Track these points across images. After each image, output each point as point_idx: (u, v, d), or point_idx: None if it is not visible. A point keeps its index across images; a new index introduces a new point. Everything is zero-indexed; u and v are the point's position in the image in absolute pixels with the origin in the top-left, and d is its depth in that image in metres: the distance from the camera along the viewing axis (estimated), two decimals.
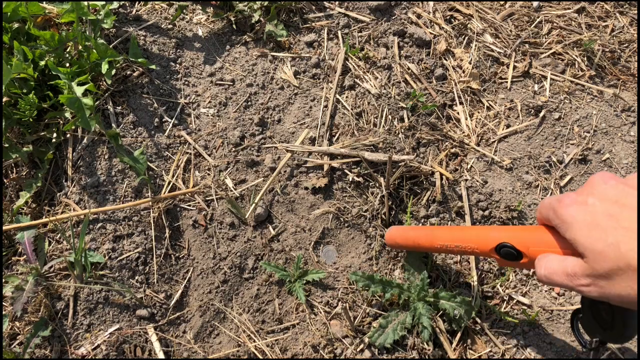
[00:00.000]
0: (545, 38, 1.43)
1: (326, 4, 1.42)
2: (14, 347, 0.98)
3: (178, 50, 1.30)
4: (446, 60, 1.38)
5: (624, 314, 0.57)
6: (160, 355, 1.01)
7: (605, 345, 0.63)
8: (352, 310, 1.07)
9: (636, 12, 1.49)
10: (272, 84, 1.28)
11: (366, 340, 1.01)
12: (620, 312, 0.57)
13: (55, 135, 1.14)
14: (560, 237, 0.59)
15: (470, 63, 1.36)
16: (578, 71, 1.39)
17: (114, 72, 1.17)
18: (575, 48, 1.41)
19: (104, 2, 1.21)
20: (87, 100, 1.04)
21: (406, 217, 1.14)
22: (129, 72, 1.24)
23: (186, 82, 1.26)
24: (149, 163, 1.14)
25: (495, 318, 1.07)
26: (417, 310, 0.99)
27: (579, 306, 0.66)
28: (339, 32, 1.37)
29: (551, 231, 0.62)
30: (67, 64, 1.16)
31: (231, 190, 1.15)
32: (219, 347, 1.04)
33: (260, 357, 1.01)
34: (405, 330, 1.01)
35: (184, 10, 1.37)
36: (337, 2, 1.42)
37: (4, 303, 1.00)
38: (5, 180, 1.12)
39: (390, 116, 1.25)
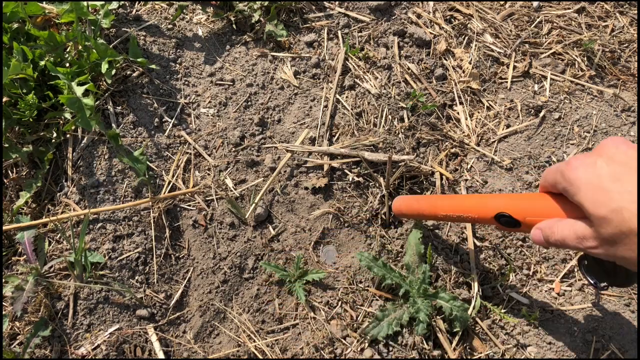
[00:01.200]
0: (545, 38, 1.43)
1: (326, 4, 1.42)
2: (14, 347, 0.98)
3: (178, 50, 1.30)
4: (446, 60, 1.37)
5: (626, 267, 0.59)
6: (160, 355, 1.01)
7: (612, 286, 0.69)
8: (353, 310, 1.07)
9: (636, 12, 1.49)
10: (272, 84, 1.28)
11: (365, 336, 1.01)
12: (622, 266, 0.60)
13: (55, 135, 1.14)
14: (563, 202, 0.60)
15: (470, 63, 1.36)
16: (578, 71, 1.39)
17: (113, 72, 1.17)
18: (575, 48, 1.41)
19: (103, 2, 1.21)
20: (88, 100, 1.04)
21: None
22: (128, 72, 1.23)
23: (186, 82, 1.26)
24: (148, 163, 1.14)
25: (495, 318, 1.07)
26: (417, 305, 0.99)
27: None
28: (339, 32, 1.37)
29: (552, 197, 0.63)
30: (67, 64, 1.16)
31: (231, 190, 1.15)
32: (219, 347, 1.04)
33: (260, 357, 1.01)
34: (400, 326, 1.00)
35: (184, 10, 1.37)
36: (337, 2, 1.42)
37: (4, 303, 1.00)
38: (5, 180, 1.12)
39: (390, 116, 1.25)
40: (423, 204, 0.96)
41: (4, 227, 1.05)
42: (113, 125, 1.16)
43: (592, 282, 0.69)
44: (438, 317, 1.03)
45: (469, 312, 1.03)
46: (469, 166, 1.25)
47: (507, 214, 0.70)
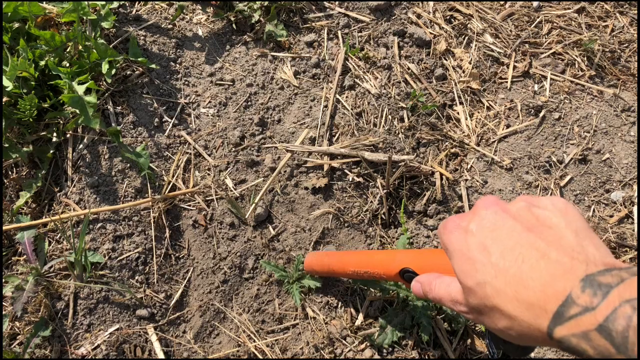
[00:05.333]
0: (545, 38, 1.43)
1: (326, 4, 1.42)
2: (14, 347, 0.98)
3: (178, 50, 1.30)
4: (446, 60, 1.38)
5: None
6: (160, 355, 1.01)
7: (509, 357, 0.65)
8: (353, 310, 1.07)
9: (636, 12, 1.49)
10: (272, 84, 1.28)
11: (366, 341, 1.01)
12: None
13: (55, 135, 1.14)
14: None
15: (470, 63, 1.36)
16: (578, 71, 1.39)
17: (114, 72, 1.17)
18: (575, 48, 1.41)
19: (104, 2, 1.21)
20: (90, 98, 1.04)
21: (400, 215, 1.14)
22: (129, 72, 1.24)
23: (186, 82, 1.26)
24: (149, 163, 1.14)
25: None
26: (417, 309, 0.99)
27: None
28: (339, 32, 1.37)
29: (443, 253, 0.61)
30: (67, 64, 1.16)
31: (231, 190, 1.15)
32: (219, 347, 1.04)
33: (260, 357, 1.01)
34: (405, 331, 1.01)
35: (184, 10, 1.37)
36: (337, 2, 1.42)
37: (4, 303, 1.00)
38: (5, 180, 1.12)
39: (390, 116, 1.25)
40: (332, 260, 0.95)
41: (4, 227, 1.05)
42: (113, 124, 1.16)
43: (490, 352, 0.67)
44: (438, 317, 1.03)
45: None
46: (469, 166, 1.25)
47: (410, 270, 0.69)
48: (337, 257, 0.94)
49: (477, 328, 1.06)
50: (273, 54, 1.32)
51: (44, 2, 1.24)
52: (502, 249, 0.45)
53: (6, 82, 1.04)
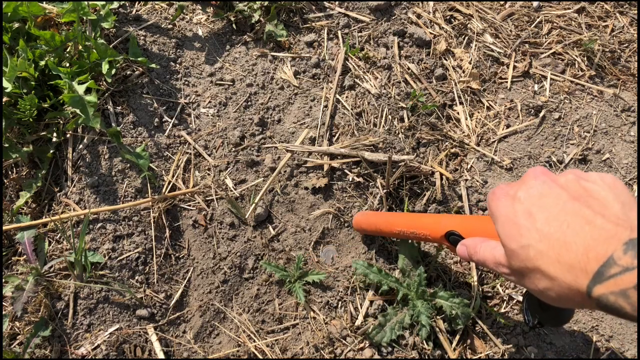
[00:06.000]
0: (545, 38, 1.43)
1: (326, 4, 1.42)
2: (14, 347, 0.98)
3: (178, 50, 1.30)
4: (446, 60, 1.38)
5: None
6: (160, 355, 1.01)
7: (543, 326, 0.69)
8: (353, 310, 1.07)
9: (636, 12, 1.49)
10: (272, 84, 1.28)
11: (365, 340, 1.01)
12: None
13: (55, 135, 1.14)
14: None
15: (470, 63, 1.36)
16: (578, 71, 1.39)
17: (114, 71, 1.17)
18: (575, 48, 1.41)
19: (104, 2, 1.21)
20: (91, 98, 1.04)
21: None
22: (129, 72, 1.24)
23: (186, 82, 1.26)
24: (149, 163, 1.14)
25: (495, 318, 1.07)
26: (417, 308, 0.99)
27: None
28: (339, 32, 1.37)
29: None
30: (67, 64, 1.16)
31: (231, 190, 1.15)
32: (219, 347, 1.04)
33: (260, 357, 1.01)
34: (403, 330, 1.01)
35: (184, 10, 1.37)
36: (337, 2, 1.42)
37: (4, 303, 1.00)
38: (5, 180, 1.12)
39: (390, 116, 1.25)
40: (380, 219, 1.01)
41: (4, 227, 1.05)
42: (113, 124, 1.16)
43: (526, 319, 0.70)
44: (438, 317, 1.03)
45: (468, 313, 1.02)
46: (469, 166, 1.25)
47: (456, 233, 0.73)
48: (385, 217, 1.00)
49: (477, 328, 1.06)
50: (273, 54, 1.32)
51: (44, 2, 1.24)
52: (547, 215, 0.47)
53: (5, 84, 1.04)
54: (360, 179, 1.17)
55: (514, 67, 1.38)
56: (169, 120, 1.21)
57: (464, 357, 1.02)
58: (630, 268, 0.38)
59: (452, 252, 0.78)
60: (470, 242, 0.64)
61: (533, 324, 0.68)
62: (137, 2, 1.36)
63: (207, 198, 1.14)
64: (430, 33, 1.39)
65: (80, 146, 1.13)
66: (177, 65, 1.28)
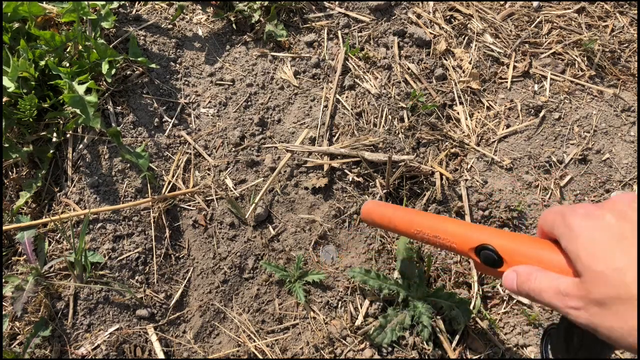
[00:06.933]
0: (545, 38, 1.43)
1: (326, 4, 1.42)
2: (14, 347, 0.98)
3: (178, 50, 1.30)
4: (446, 60, 1.38)
5: (593, 347, 0.52)
6: (160, 355, 1.01)
7: None
8: (353, 310, 1.07)
9: (636, 12, 1.49)
10: (272, 84, 1.28)
11: (366, 340, 1.01)
12: (590, 345, 0.52)
13: (55, 135, 1.14)
14: (559, 252, 0.53)
15: (470, 63, 1.36)
16: (578, 71, 1.39)
17: (114, 71, 1.17)
18: (575, 48, 1.41)
19: (104, 2, 1.21)
20: (91, 98, 1.04)
21: None
22: (129, 72, 1.24)
23: (186, 82, 1.26)
24: (149, 163, 1.14)
25: (495, 318, 1.07)
26: (417, 309, 0.99)
27: (556, 322, 0.60)
28: (339, 32, 1.37)
29: (548, 245, 0.55)
30: (67, 64, 1.16)
31: (231, 190, 1.15)
32: (219, 347, 1.04)
33: (260, 357, 1.01)
34: (404, 331, 1.01)
35: (184, 10, 1.37)
36: (337, 2, 1.42)
37: (4, 303, 1.00)
38: (5, 180, 1.12)
39: (390, 116, 1.25)
40: (398, 214, 0.86)
41: (4, 227, 1.05)
42: (113, 124, 1.16)
43: (544, 356, 0.60)
44: (438, 317, 1.03)
45: (468, 312, 1.02)
46: (469, 166, 1.25)
47: (491, 248, 0.60)
48: (404, 213, 0.85)
49: (477, 328, 1.06)
50: (273, 54, 1.32)
51: (44, 2, 1.24)
52: None
53: (8, 83, 1.04)
54: (360, 179, 1.17)
55: (514, 67, 1.38)
56: (169, 120, 1.21)
57: (464, 357, 1.02)
58: None
59: (478, 269, 0.66)
60: (523, 270, 0.54)
61: None
62: (137, 2, 1.36)
63: (207, 198, 1.14)
64: (430, 33, 1.39)
65: (80, 146, 1.13)
66: (177, 65, 1.28)
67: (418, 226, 0.78)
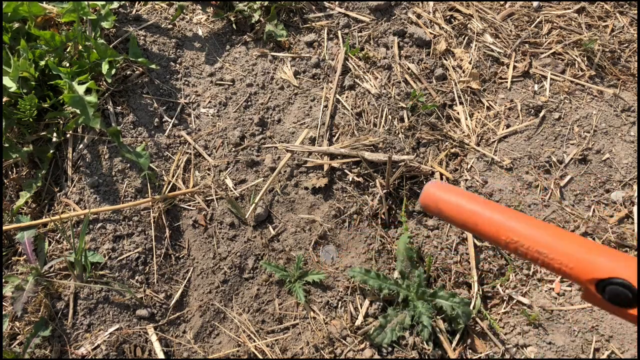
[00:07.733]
0: (545, 38, 1.43)
1: (326, 4, 1.42)
2: (14, 347, 0.98)
3: (178, 50, 1.30)
4: (446, 60, 1.38)
5: None
6: (160, 355, 1.01)
7: None
8: (353, 310, 1.07)
9: (636, 12, 1.49)
10: (272, 84, 1.28)
11: (366, 340, 1.01)
12: None
13: (55, 135, 1.14)
14: None
15: (470, 63, 1.36)
16: (578, 71, 1.39)
17: (114, 72, 1.17)
18: (575, 48, 1.41)
19: (104, 2, 1.21)
20: (91, 98, 1.04)
21: (401, 215, 1.14)
22: (129, 72, 1.24)
23: (186, 82, 1.26)
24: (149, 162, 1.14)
25: (495, 318, 1.07)
26: (417, 309, 0.99)
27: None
28: (339, 32, 1.37)
29: None
30: (67, 64, 1.16)
31: (231, 190, 1.15)
32: (219, 347, 1.04)
33: (260, 357, 1.01)
34: (404, 331, 1.01)
35: (184, 10, 1.37)
36: (337, 2, 1.42)
37: (4, 303, 1.00)
38: (5, 180, 1.12)
39: (390, 116, 1.25)
40: (483, 212, 0.60)
41: (4, 227, 1.05)
42: (113, 124, 1.16)
43: None
44: (438, 317, 1.03)
45: (468, 312, 1.02)
46: (469, 166, 1.25)
47: (625, 282, 0.45)
48: (491, 211, 0.60)
49: (477, 328, 1.06)
50: (273, 54, 1.32)
51: (44, 2, 1.24)
52: None
53: (10, 83, 1.04)
54: (360, 179, 1.17)
55: (514, 67, 1.38)
56: (169, 120, 1.21)
57: (464, 357, 1.02)
58: None
59: (592, 302, 0.49)
60: None
61: None
62: (137, 2, 1.36)
63: (207, 198, 1.14)
64: (430, 33, 1.39)
65: (81, 146, 1.13)
66: (177, 65, 1.28)
67: (514, 235, 0.57)
